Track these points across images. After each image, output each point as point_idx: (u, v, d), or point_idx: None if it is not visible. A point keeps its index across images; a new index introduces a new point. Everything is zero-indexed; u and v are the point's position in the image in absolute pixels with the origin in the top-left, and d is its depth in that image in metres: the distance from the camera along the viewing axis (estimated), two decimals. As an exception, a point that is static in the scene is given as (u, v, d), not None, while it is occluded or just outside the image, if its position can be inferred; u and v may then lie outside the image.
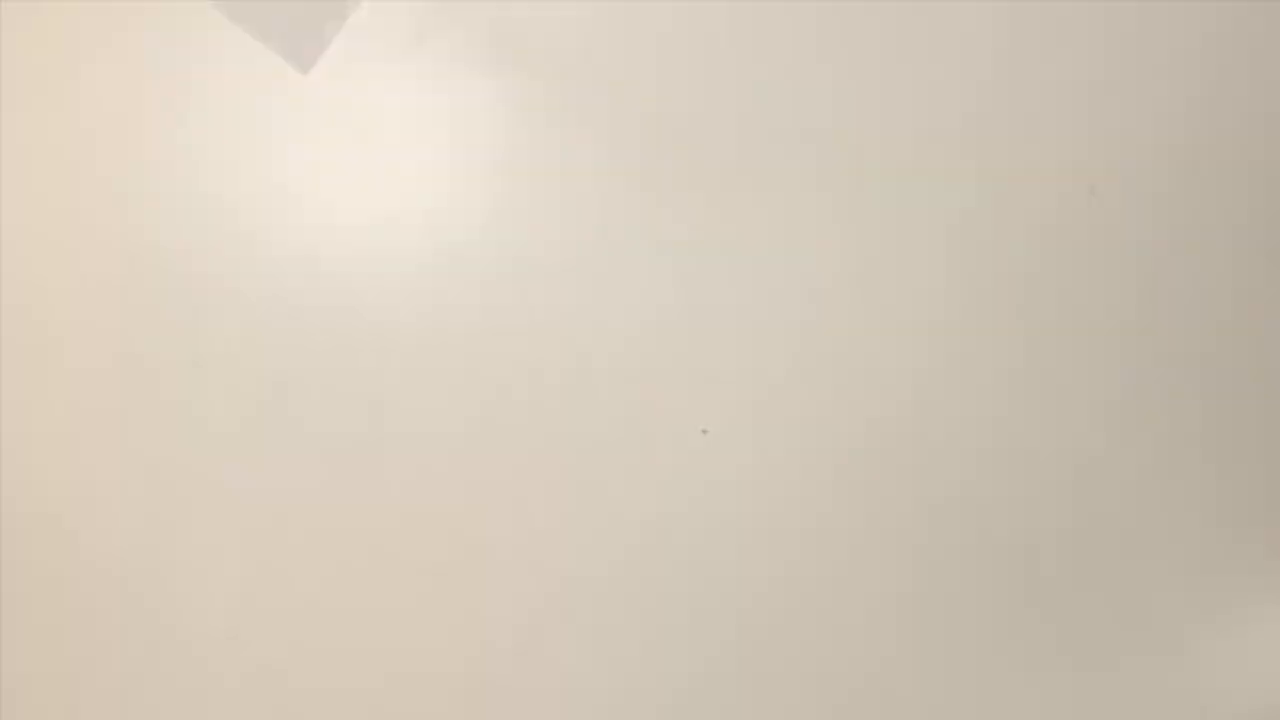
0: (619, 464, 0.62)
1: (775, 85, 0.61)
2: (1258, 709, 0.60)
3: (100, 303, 0.62)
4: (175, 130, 0.63)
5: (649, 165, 0.61)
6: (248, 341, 0.63)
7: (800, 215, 0.62)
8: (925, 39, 0.63)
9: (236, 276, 0.63)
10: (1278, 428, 0.62)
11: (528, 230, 0.61)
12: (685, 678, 0.63)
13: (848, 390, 0.62)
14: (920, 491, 0.63)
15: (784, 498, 0.63)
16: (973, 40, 0.64)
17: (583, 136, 0.59)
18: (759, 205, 0.61)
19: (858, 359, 0.62)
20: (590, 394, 0.62)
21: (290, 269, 0.63)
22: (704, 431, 0.62)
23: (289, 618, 0.62)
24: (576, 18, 0.61)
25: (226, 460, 0.61)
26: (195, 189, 0.63)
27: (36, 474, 0.61)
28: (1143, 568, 0.62)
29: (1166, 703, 0.61)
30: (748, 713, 0.63)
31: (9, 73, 0.62)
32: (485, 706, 0.61)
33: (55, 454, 0.61)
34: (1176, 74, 0.63)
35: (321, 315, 0.62)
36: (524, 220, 0.61)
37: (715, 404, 0.62)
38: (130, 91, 0.63)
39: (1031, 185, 0.64)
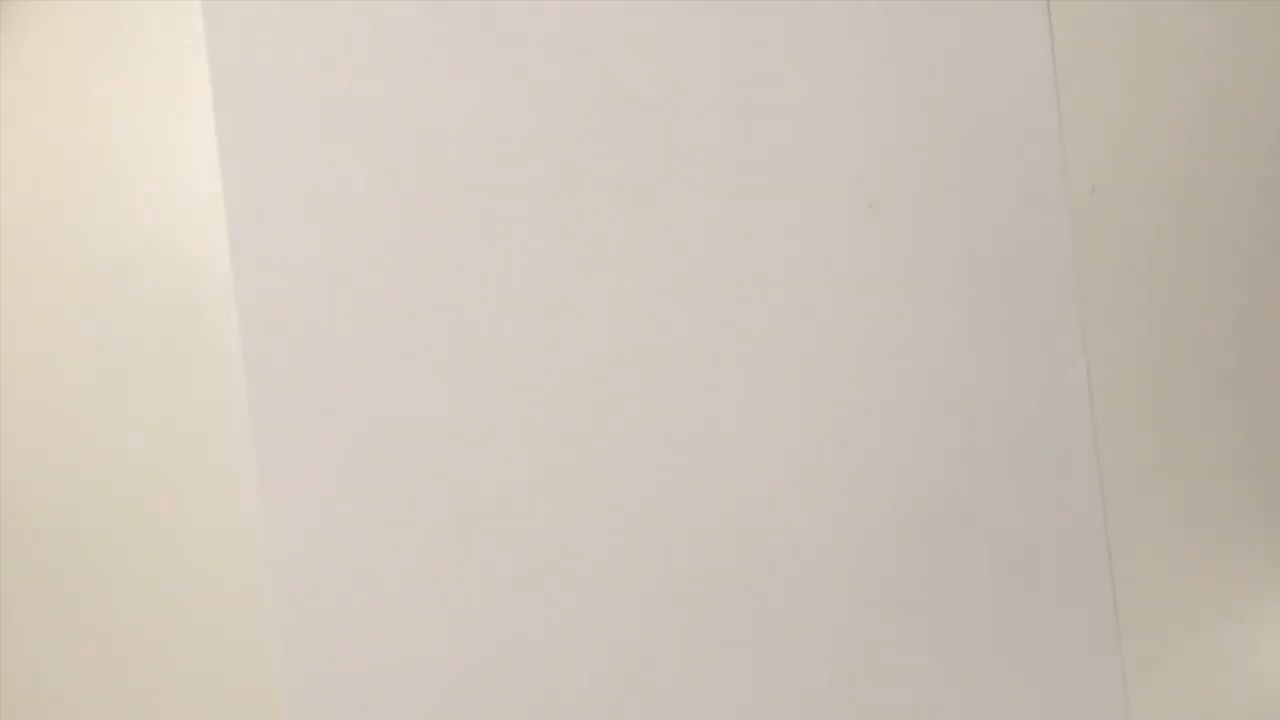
0: (621, 463, 0.62)
1: (755, 92, 0.61)
2: (1258, 709, 0.60)
3: (96, 300, 0.62)
4: (175, 126, 0.63)
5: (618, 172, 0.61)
6: (245, 341, 0.63)
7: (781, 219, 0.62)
8: (907, 41, 0.63)
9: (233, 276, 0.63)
10: (1276, 428, 0.62)
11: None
12: (684, 673, 0.63)
13: (843, 386, 0.61)
14: (919, 489, 0.63)
15: (780, 494, 0.63)
16: (966, 43, 0.64)
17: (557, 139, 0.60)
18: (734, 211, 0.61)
19: (856, 356, 0.62)
20: (576, 395, 0.62)
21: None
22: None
23: (289, 618, 0.62)
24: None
25: (222, 460, 0.61)
26: (195, 188, 0.63)
27: (33, 472, 0.62)
28: (1142, 567, 0.62)
29: (1167, 703, 0.61)
30: (745, 705, 0.63)
31: (9, 73, 0.62)
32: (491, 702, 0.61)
33: (52, 453, 0.62)
34: (1177, 73, 0.63)
35: (324, 314, 0.62)
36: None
37: (704, 403, 0.62)
38: (132, 91, 0.63)
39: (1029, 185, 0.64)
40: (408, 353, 0.61)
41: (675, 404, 0.63)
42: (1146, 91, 0.64)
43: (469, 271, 0.62)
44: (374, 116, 0.61)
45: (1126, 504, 0.62)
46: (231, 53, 0.60)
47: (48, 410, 0.62)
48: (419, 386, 0.61)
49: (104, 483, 0.62)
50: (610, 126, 0.62)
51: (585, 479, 0.62)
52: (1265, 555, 0.61)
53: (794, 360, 0.63)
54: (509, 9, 0.62)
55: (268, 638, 0.61)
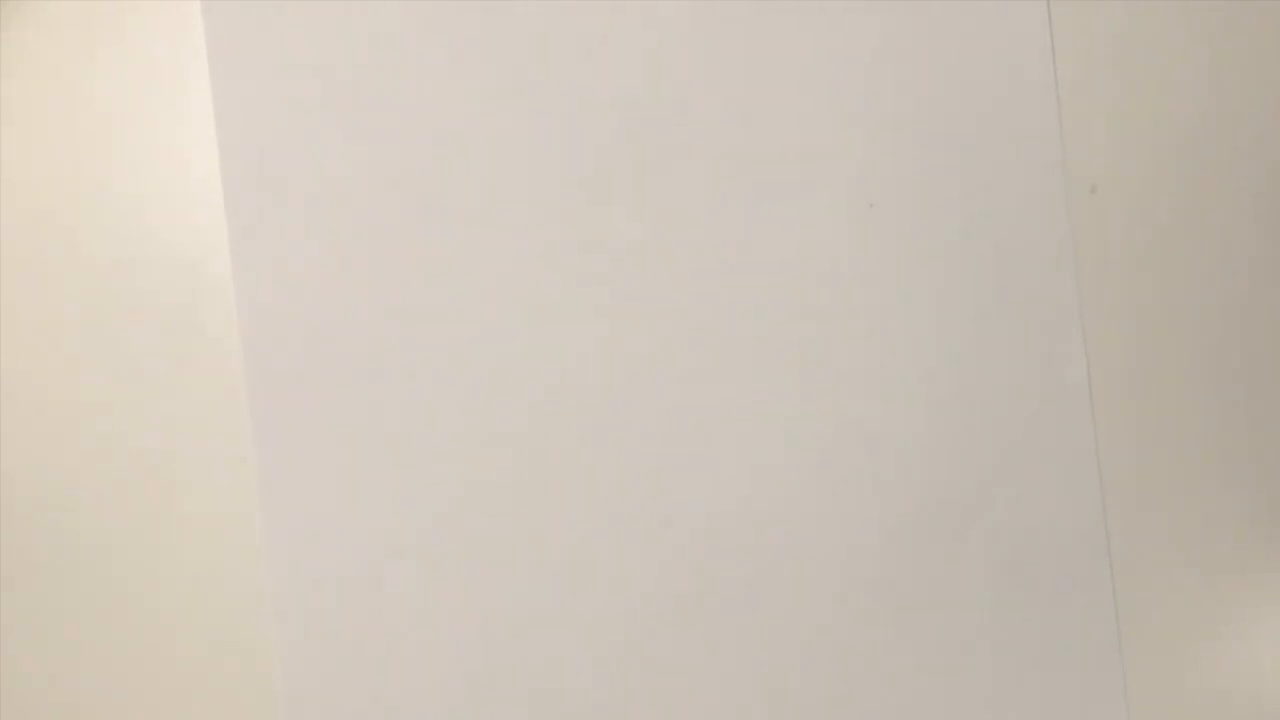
0: (622, 464, 0.62)
1: (751, 82, 0.61)
2: (1259, 709, 0.61)
3: (95, 301, 0.62)
4: (175, 126, 0.63)
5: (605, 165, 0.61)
6: (245, 341, 0.63)
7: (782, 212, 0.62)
8: (908, 38, 0.63)
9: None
10: (1277, 428, 0.62)
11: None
12: (682, 674, 0.63)
13: (842, 385, 0.62)
14: (919, 489, 0.63)
15: (779, 494, 0.63)
16: (966, 43, 0.64)
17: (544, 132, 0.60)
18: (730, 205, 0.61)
19: (856, 355, 0.62)
20: (569, 397, 0.62)
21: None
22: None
23: (289, 618, 0.62)
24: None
25: (221, 459, 0.61)
26: (195, 188, 0.63)
27: (31, 472, 0.61)
28: (1142, 567, 0.62)
29: (1167, 703, 0.61)
30: (746, 704, 0.63)
31: (9, 73, 0.62)
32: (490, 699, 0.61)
33: (50, 453, 0.62)
34: (1177, 73, 0.63)
35: (324, 315, 0.62)
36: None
37: (701, 403, 0.62)
38: (132, 91, 0.63)
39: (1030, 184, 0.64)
40: (408, 353, 0.61)
41: (675, 405, 0.63)
42: (1146, 91, 0.64)
43: (470, 272, 0.62)
44: (375, 117, 0.61)
45: (1126, 504, 0.62)
46: (231, 52, 0.60)
47: (46, 410, 0.62)
48: (420, 387, 0.61)
49: (103, 483, 0.62)
50: (612, 126, 0.62)
51: (587, 479, 0.63)
52: (1266, 556, 0.61)
53: (794, 359, 0.63)
54: (513, 11, 0.62)
55: (268, 638, 0.61)
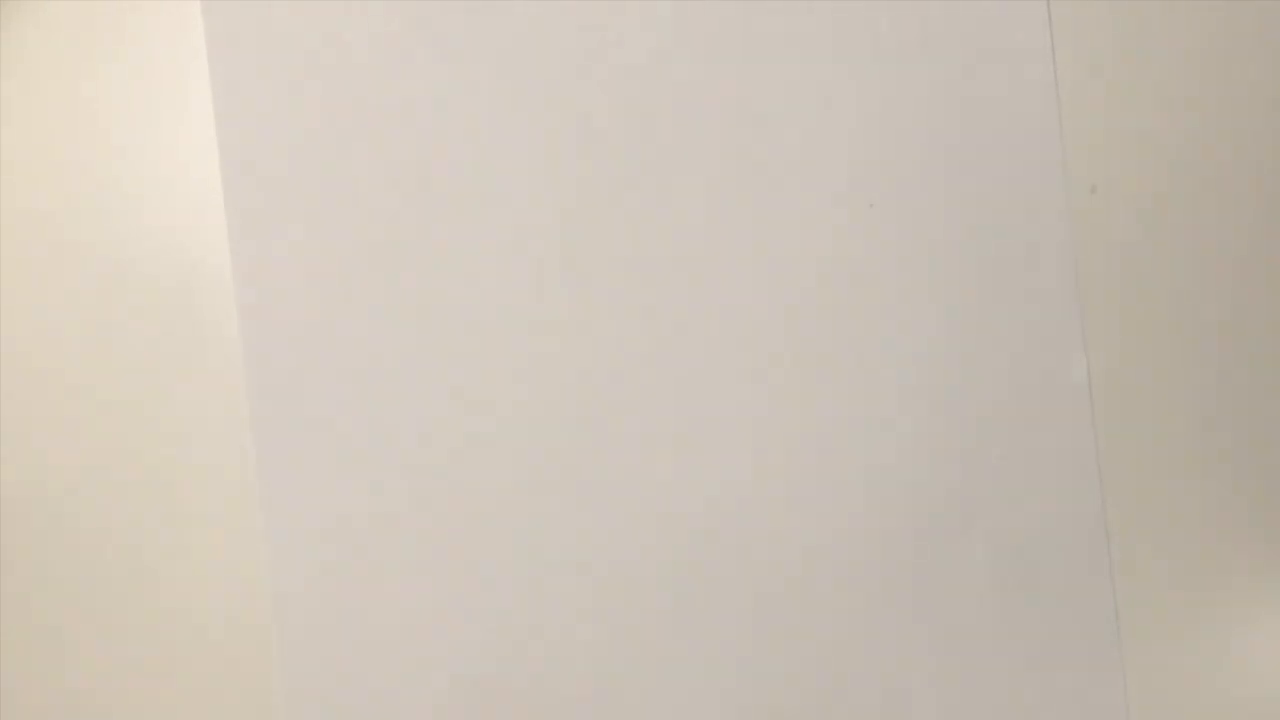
0: (616, 464, 0.62)
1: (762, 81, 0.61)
2: (1258, 709, 0.60)
3: (96, 301, 0.62)
4: (175, 126, 0.63)
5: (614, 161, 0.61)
6: (245, 341, 0.63)
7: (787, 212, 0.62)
8: (908, 38, 0.63)
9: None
10: (1276, 427, 0.62)
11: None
12: (683, 674, 0.63)
13: (842, 385, 0.62)
14: (918, 489, 0.63)
15: (779, 494, 0.63)
16: (966, 43, 0.64)
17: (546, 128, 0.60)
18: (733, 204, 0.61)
19: (856, 355, 0.62)
20: (569, 396, 0.62)
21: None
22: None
23: (289, 618, 0.62)
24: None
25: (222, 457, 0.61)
26: (195, 188, 0.63)
27: (32, 473, 0.62)
28: (1142, 567, 0.62)
29: (1167, 703, 0.61)
30: (746, 703, 0.63)
31: (9, 73, 0.62)
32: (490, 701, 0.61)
33: (51, 453, 0.62)
34: (1177, 74, 0.63)
35: (324, 314, 0.62)
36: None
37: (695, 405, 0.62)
38: (132, 91, 0.63)
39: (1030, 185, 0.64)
40: (408, 352, 0.61)
41: (674, 403, 0.63)
42: (1147, 91, 0.64)
43: (469, 271, 0.62)
44: (375, 117, 0.62)
45: (1126, 504, 0.62)
46: (232, 52, 0.60)
47: (46, 411, 0.62)
48: (419, 386, 0.61)
49: (103, 483, 0.62)
50: (612, 126, 0.63)
51: (586, 478, 0.63)
52: (1265, 555, 0.61)
53: (794, 359, 0.63)
54: (512, 11, 0.62)
55: (267, 638, 0.62)
